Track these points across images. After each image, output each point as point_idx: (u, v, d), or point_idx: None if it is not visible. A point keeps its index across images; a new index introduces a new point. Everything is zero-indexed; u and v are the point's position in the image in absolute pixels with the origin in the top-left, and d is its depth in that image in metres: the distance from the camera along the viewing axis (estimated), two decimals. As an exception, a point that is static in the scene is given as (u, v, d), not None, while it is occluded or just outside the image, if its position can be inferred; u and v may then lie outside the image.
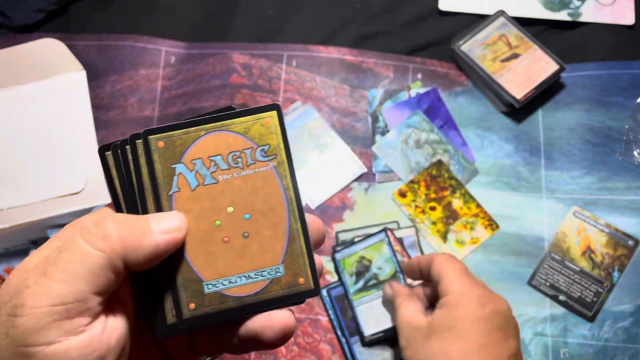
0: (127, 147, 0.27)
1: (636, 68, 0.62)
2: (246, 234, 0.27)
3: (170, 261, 0.26)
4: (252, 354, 0.56)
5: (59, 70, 0.60)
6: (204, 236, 0.26)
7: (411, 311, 0.48)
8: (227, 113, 0.27)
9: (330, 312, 0.57)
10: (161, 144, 0.27)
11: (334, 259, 0.58)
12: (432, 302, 0.49)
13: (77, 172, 0.56)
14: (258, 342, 0.26)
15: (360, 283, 0.57)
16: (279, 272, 0.27)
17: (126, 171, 0.27)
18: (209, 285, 0.26)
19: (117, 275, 0.23)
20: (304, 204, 0.58)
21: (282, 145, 0.28)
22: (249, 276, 0.26)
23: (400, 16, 0.66)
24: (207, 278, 0.26)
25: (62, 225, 0.55)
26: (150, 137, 0.27)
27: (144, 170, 0.27)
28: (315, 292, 0.27)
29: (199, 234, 0.26)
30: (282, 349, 0.56)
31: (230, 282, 0.26)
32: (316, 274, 0.27)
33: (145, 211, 0.26)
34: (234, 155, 0.27)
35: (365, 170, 0.61)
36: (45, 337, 0.22)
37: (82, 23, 0.67)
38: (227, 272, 0.26)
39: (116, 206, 0.27)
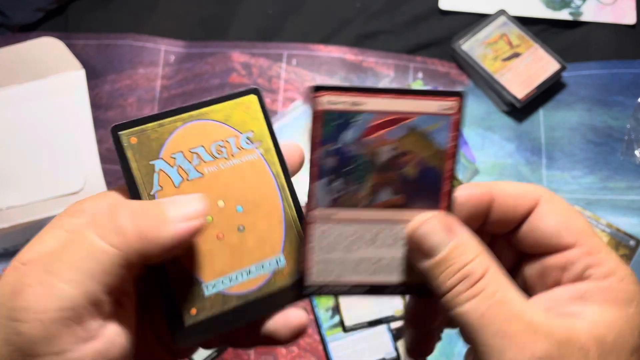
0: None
1: (637, 67, 0.61)
2: (241, 227, 0.25)
3: (164, 267, 0.24)
4: (252, 354, 0.56)
5: (58, 70, 0.59)
6: None
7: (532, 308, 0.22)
8: (203, 101, 0.25)
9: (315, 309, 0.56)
10: (134, 139, 0.24)
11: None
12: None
13: (76, 171, 0.56)
14: (271, 340, 0.25)
15: (337, 318, 0.55)
16: (280, 262, 0.25)
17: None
18: (209, 286, 0.24)
19: (130, 271, 0.21)
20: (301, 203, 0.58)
21: (266, 130, 0.26)
22: (249, 271, 0.25)
23: (400, 15, 0.66)
24: (206, 279, 0.24)
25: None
26: (120, 133, 0.24)
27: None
28: None
29: None
30: (282, 349, 0.56)
31: (230, 279, 0.25)
32: None
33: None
34: (217, 145, 0.25)
35: (366, 169, 0.61)
36: (56, 346, 0.19)
37: (81, 22, 0.67)
38: (226, 269, 0.25)
39: (130, 191, 0.24)
